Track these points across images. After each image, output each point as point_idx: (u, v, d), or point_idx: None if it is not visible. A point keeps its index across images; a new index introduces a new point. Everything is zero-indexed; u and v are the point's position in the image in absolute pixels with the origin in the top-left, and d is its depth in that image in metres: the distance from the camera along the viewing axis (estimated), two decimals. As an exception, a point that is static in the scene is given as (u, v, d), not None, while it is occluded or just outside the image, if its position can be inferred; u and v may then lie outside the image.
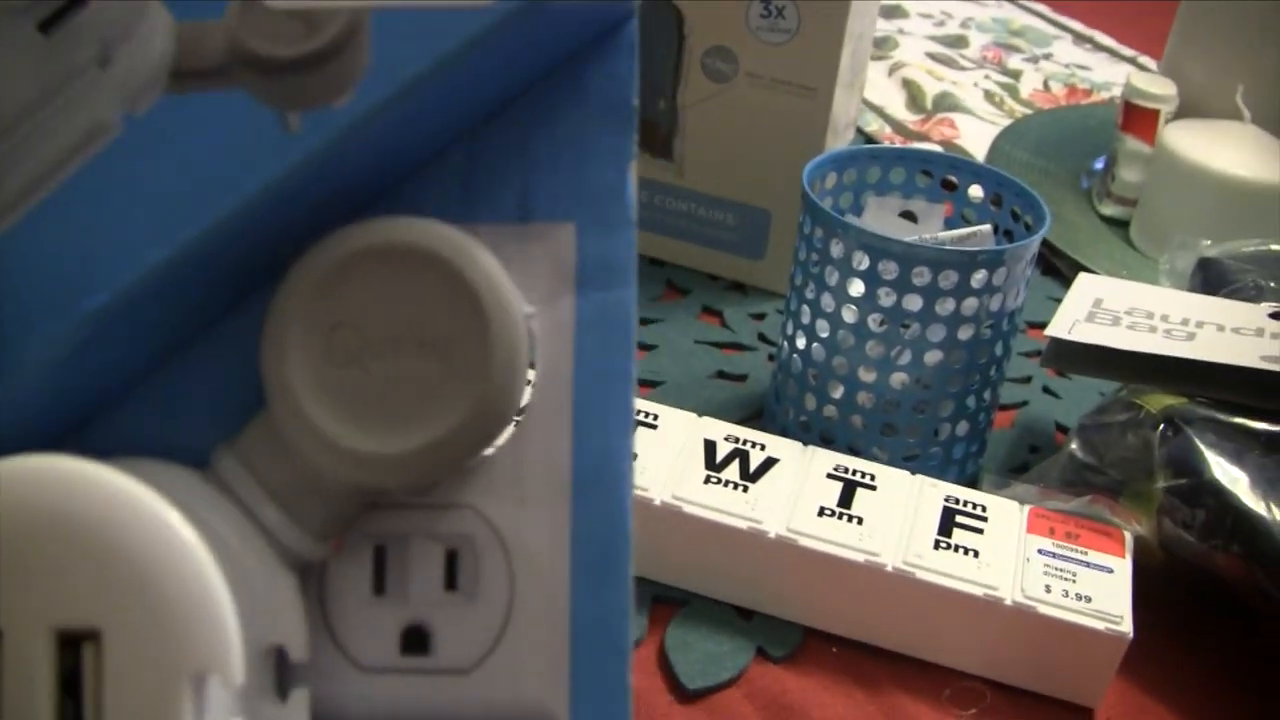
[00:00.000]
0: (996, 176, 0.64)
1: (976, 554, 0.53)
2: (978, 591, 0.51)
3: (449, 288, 0.24)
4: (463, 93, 0.24)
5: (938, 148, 0.98)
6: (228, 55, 0.22)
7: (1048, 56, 1.23)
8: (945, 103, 1.06)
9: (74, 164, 0.22)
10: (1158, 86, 0.89)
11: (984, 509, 0.55)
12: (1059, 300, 0.78)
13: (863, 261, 0.58)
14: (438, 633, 0.25)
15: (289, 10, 0.22)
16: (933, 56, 1.17)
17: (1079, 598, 0.51)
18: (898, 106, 1.05)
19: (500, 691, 0.25)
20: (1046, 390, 0.72)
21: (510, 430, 0.26)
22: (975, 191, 0.65)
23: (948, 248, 0.56)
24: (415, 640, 0.25)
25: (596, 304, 0.28)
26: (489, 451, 0.26)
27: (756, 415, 0.66)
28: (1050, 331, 0.62)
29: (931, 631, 0.53)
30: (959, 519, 0.54)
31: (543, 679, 0.25)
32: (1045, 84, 1.15)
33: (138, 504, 0.21)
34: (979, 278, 0.57)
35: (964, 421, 0.62)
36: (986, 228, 0.63)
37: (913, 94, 1.07)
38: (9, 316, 0.22)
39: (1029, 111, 1.07)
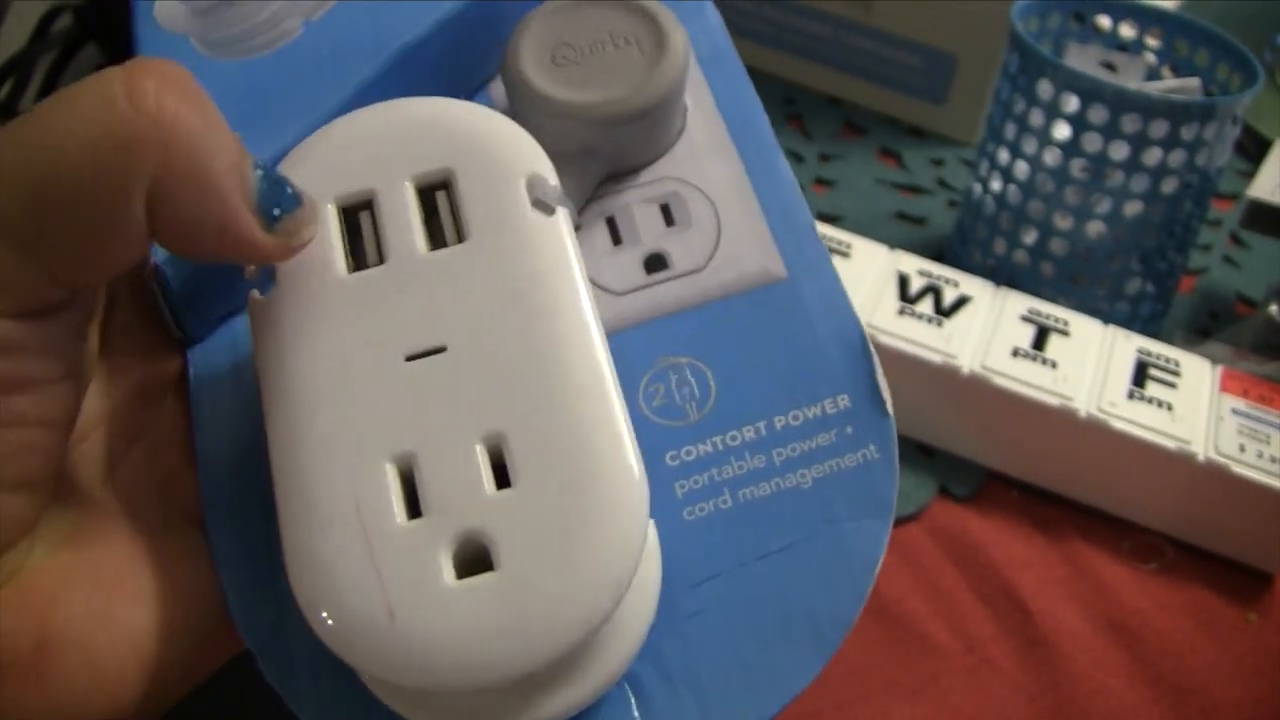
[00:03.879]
0: (1204, 32, 0.61)
1: (1170, 408, 0.52)
2: (1170, 445, 0.50)
3: (636, 15, 0.32)
4: None
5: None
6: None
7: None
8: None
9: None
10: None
11: (1177, 364, 0.54)
12: (1240, 172, 0.76)
13: (1070, 104, 0.56)
14: (671, 253, 0.32)
15: None
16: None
17: (1273, 460, 0.50)
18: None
19: (730, 273, 0.31)
20: (1228, 259, 0.70)
21: (681, 128, 0.34)
22: (1181, 47, 0.63)
23: (1160, 95, 0.54)
24: (655, 262, 0.32)
25: (710, 61, 0.35)
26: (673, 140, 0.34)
27: (936, 259, 0.65)
28: (1251, 193, 0.61)
29: (1117, 482, 0.52)
30: (1152, 372, 0.53)
31: (758, 255, 0.31)
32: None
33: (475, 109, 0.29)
34: (1189, 130, 0.55)
35: (1153, 279, 0.60)
36: (1195, 81, 0.61)
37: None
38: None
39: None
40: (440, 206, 0.27)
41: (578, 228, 0.31)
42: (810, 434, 0.29)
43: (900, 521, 0.51)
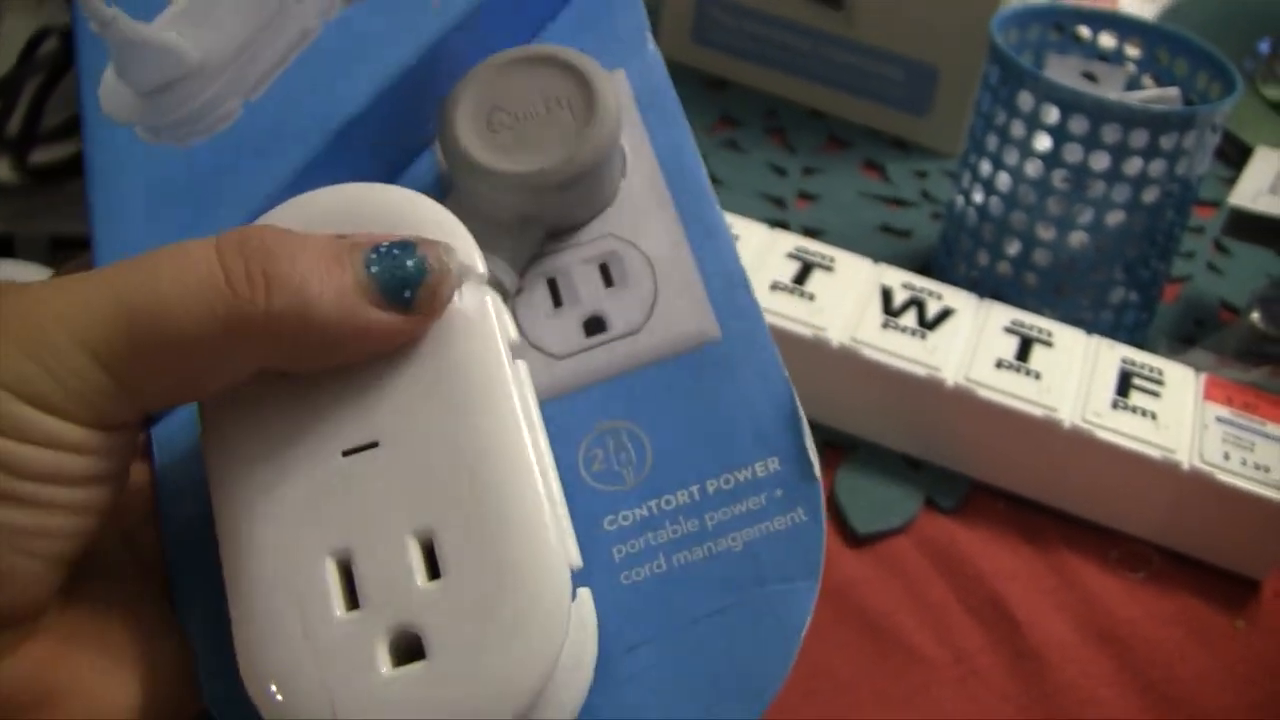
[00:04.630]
0: (1183, 42, 0.62)
1: (1154, 417, 0.52)
2: (1155, 454, 0.50)
3: (569, 76, 0.33)
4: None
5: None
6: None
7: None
8: (1105, -25, 1.03)
9: (294, 54, 0.33)
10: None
11: (1160, 373, 0.54)
12: (1222, 178, 0.77)
13: (1051, 115, 0.56)
14: (610, 314, 0.32)
15: None
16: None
17: (1257, 467, 0.50)
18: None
19: (666, 334, 0.32)
20: (1211, 266, 0.71)
21: (620, 179, 0.34)
22: (1161, 56, 0.63)
23: (1139, 105, 0.55)
24: (594, 325, 0.32)
25: (647, 99, 0.35)
26: (612, 202, 0.34)
27: (921, 271, 0.65)
28: (1233, 201, 0.61)
29: (1102, 491, 0.52)
30: (1136, 381, 0.53)
31: (693, 316, 0.32)
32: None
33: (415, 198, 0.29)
34: (1169, 139, 0.55)
35: (1137, 288, 0.60)
36: (1174, 90, 0.61)
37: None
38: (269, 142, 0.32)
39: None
40: None
41: (519, 291, 0.33)
42: (741, 497, 0.30)
43: (887, 534, 0.51)
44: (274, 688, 0.25)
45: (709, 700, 0.28)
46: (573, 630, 0.27)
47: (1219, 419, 0.52)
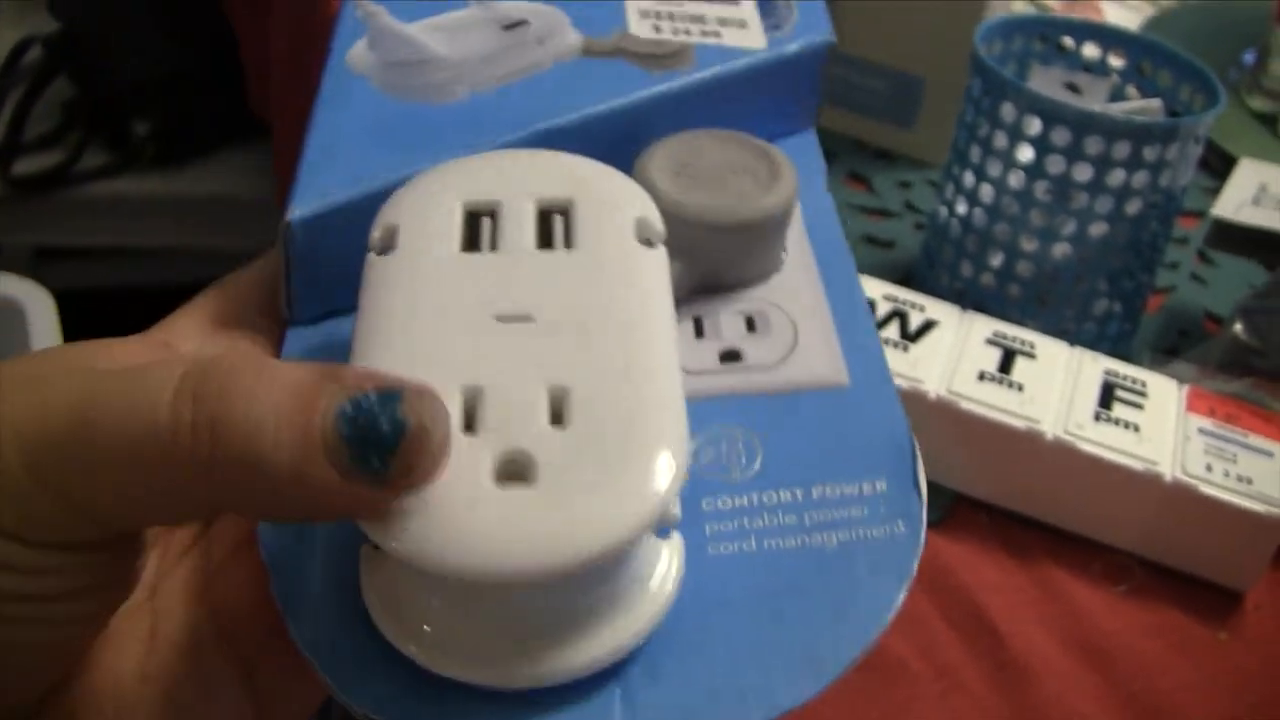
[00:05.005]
0: (1167, 53, 0.62)
1: (1137, 429, 0.52)
2: (1138, 466, 0.50)
3: (756, 152, 0.36)
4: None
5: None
6: (615, 48, 0.39)
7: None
8: (1090, -14, 1.03)
9: (526, 75, 0.38)
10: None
11: (1143, 385, 0.54)
12: (1206, 189, 0.77)
13: (1033, 127, 0.56)
14: (747, 352, 0.34)
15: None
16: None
17: (1239, 479, 0.50)
18: (1042, -12, 1.02)
19: (798, 372, 0.33)
20: (1195, 277, 0.71)
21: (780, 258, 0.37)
22: (1145, 67, 0.63)
23: (1122, 116, 0.55)
24: (730, 356, 0.34)
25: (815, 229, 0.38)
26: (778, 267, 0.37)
27: (904, 282, 0.65)
28: (1216, 212, 0.61)
29: (1085, 504, 0.52)
30: (1119, 393, 0.53)
31: (826, 364, 0.33)
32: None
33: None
34: (1151, 151, 0.55)
35: (1120, 299, 0.60)
36: (1157, 102, 0.61)
37: (1057, -24, 1.04)
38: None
39: (1174, 2, 1.04)
40: (555, 225, 0.30)
41: None
42: (844, 505, 0.31)
43: (870, 547, 0.51)
44: None
45: (773, 667, 0.28)
46: (665, 560, 0.28)
47: (1201, 430, 0.52)
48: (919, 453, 0.31)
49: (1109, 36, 0.64)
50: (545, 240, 0.30)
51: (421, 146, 0.34)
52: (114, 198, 1.19)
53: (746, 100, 0.39)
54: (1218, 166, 0.80)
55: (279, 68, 0.93)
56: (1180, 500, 0.50)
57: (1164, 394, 0.54)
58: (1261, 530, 0.50)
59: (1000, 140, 0.58)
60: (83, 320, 0.74)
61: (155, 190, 1.20)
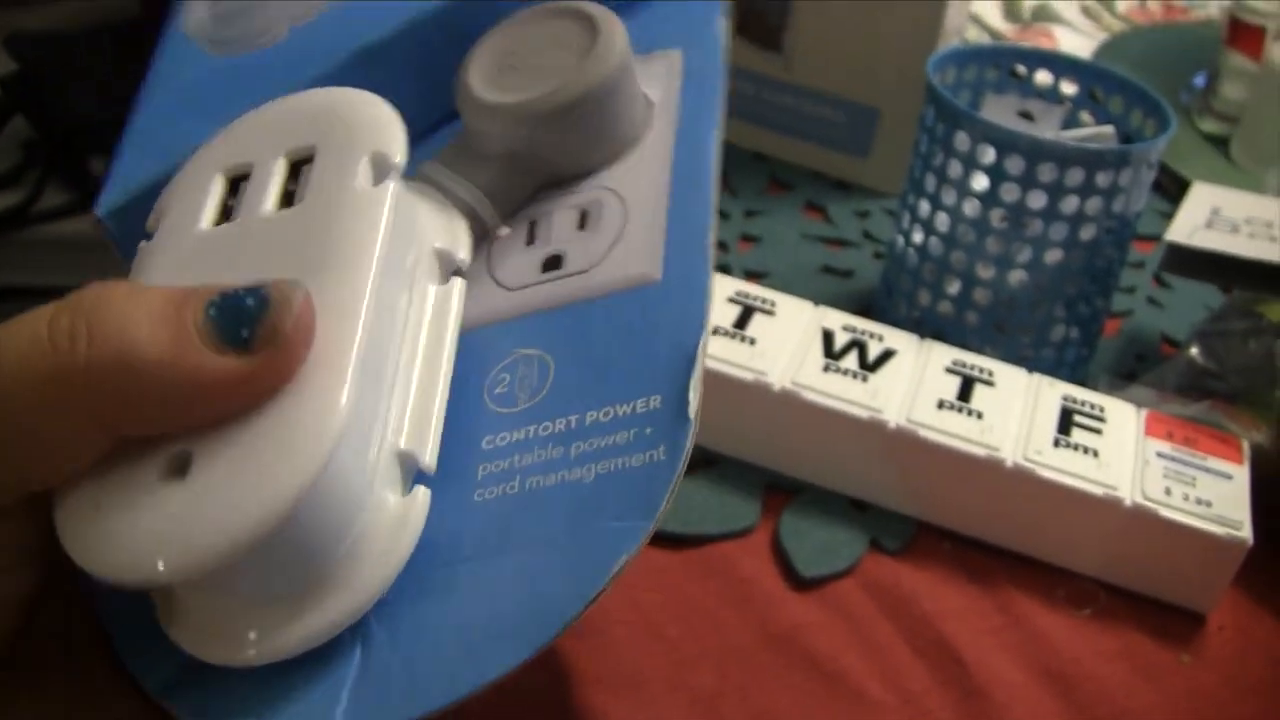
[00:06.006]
0: (1118, 80, 0.62)
1: (1096, 454, 0.52)
2: (1098, 491, 0.51)
3: (579, 23, 0.34)
4: None
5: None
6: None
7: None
8: (1043, 14, 1.04)
9: None
10: (1266, 2, 0.87)
11: (1102, 410, 0.54)
12: (1160, 213, 0.77)
13: (987, 155, 0.57)
14: (569, 254, 0.34)
15: None
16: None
17: (1199, 502, 0.51)
18: (995, 16, 1.03)
19: (611, 274, 0.33)
20: (1151, 301, 0.71)
21: (636, 135, 0.36)
22: (1097, 93, 0.63)
23: (1074, 144, 0.55)
24: (552, 263, 0.34)
25: (695, 74, 0.37)
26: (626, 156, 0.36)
27: (863, 311, 0.65)
28: (1169, 237, 0.61)
29: (1047, 530, 0.53)
30: (1077, 418, 0.54)
31: (642, 259, 0.33)
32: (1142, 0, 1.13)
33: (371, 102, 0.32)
34: (1104, 177, 0.55)
35: (1077, 325, 0.61)
36: (1109, 128, 0.62)
37: (1010, 4, 1.05)
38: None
39: (1125, 27, 1.05)
40: (301, 180, 0.30)
41: (504, 231, 0.35)
42: (613, 431, 0.31)
43: (833, 577, 0.51)
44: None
45: (503, 625, 0.28)
46: (387, 521, 0.28)
47: (1159, 454, 0.53)
48: (703, 358, 0.31)
49: (1061, 64, 0.65)
50: (290, 198, 0.30)
51: (240, 104, 0.34)
52: (74, 236, 1.18)
53: None
54: (1172, 190, 0.81)
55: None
56: (1141, 524, 0.51)
57: (1122, 418, 0.54)
58: (1222, 552, 0.50)
59: (955, 169, 0.58)
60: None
61: (114, 229, 1.19)
